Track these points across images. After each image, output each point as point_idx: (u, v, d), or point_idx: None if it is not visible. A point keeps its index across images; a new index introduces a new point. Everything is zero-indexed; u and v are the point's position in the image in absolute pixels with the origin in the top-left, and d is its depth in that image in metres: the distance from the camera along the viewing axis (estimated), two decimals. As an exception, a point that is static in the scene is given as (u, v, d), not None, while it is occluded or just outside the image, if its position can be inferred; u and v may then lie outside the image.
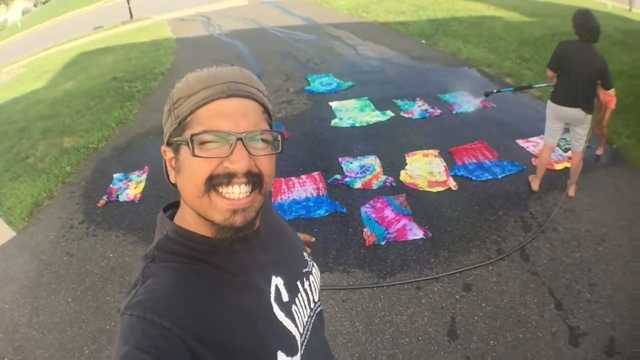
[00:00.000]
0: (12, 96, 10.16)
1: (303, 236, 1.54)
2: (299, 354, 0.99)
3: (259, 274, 0.99)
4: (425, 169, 5.11)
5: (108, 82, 9.36)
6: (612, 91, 4.02)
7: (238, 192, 0.85)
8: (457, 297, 3.44)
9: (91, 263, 4.19)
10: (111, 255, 4.27)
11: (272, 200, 4.61)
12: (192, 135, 0.83)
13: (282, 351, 0.93)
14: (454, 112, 6.56)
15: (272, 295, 0.99)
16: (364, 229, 4.20)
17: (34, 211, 5.14)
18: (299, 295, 1.09)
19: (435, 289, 3.55)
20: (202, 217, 0.89)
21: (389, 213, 4.40)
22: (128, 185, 5.35)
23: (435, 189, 4.76)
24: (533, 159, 5.11)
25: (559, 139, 4.52)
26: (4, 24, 33.75)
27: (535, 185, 4.60)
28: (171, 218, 0.99)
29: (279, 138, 0.93)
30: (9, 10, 39.61)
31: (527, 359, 2.97)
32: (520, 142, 5.57)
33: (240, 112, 0.87)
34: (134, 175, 5.56)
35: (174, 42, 12.49)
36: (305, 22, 12.79)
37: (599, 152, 4.94)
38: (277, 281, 1.02)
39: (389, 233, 4.14)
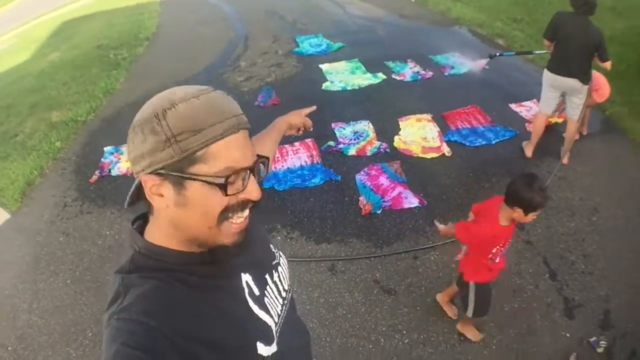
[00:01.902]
0: (1, 70, 9.77)
1: (303, 119, 1.69)
2: (275, 342, 1.07)
3: (231, 275, 1.05)
4: (418, 134, 5.10)
5: (92, 50, 9.07)
6: (608, 63, 4.01)
7: (246, 214, 0.94)
8: (454, 266, 3.49)
9: (88, 242, 4.15)
10: (107, 232, 4.23)
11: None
12: (227, 178, 0.86)
13: (260, 341, 1.01)
14: (445, 73, 6.49)
15: (246, 291, 1.06)
16: (359, 198, 4.21)
17: (27, 191, 5.03)
18: (268, 287, 1.15)
19: (432, 258, 3.60)
20: (204, 243, 0.94)
21: (384, 180, 4.41)
22: (119, 159, 5.24)
23: (429, 155, 4.77)
24: (527, 125, 5.11)
25: (554, 107, 4.53)
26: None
27: (529, 152, 4.62)
28: (140, 230, 1.00)
29: (266, 162, 1.01)
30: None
31: (524, 330, 3.06)
32: (513, 106, 5.56)
33: (247, 145, 0.91)
34: (125, 148, 5.41)
35: (157, 5, 12.09)
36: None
37: (583, 131, 4.96)
38: (246, 278, 1.08)
39: (384, 201, 4.16)
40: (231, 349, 0.94)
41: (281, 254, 1.29)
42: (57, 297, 3.65)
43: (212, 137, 0.85)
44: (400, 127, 5.26)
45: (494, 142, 4.90)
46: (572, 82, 4.13)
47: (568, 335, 3.04)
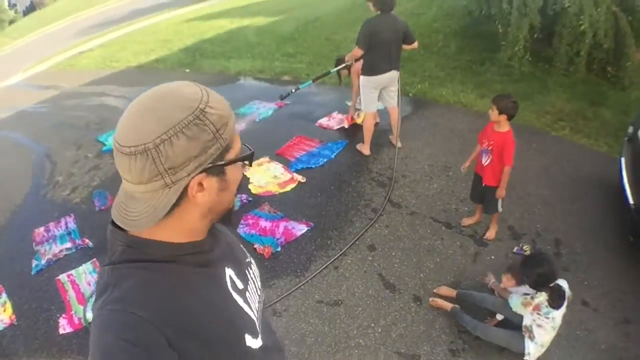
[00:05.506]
0: None
1: None
2: (260, 336, 1.13)
3: (216, 267, 1.09)
4: (268, 175, 5.40)
5: None
6: (416, 43, 4.84)
7: None
8: (370, 258, 3.93)
9: None
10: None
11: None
12: (252, 152, 1.00)
13: (248, 334, 1.07)
14: (257, 120, 6.91)
15: (229, 284, 1.10)
16: (254, 247, 4.31)
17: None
18: (250, 282, 1.20)
19: (349, 261, 3.96)
20: (215, 214, 1.01)
21: (264, 223, 4.62)
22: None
23: (288, 188, 5.10)
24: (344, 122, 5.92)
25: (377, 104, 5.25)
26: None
27: (366, 151, 5.30)
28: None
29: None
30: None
31: (456, 272, 3.64)
32: (323, 123, 6.35)
33: None
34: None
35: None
36: (59, 91, 11.65)
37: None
38: (229, 272, 1.12)
39: (278, 239, 4.38)
40: (221, 341, 0.99)
41: (249, 254, 1.33)
42: None
43: (233, 124, 0.96)
44: (247, 175, 5.45)
45: (333, 156, 5.48)
46: (392, 74, 4.81)
47: (493, 257, 3.72)
